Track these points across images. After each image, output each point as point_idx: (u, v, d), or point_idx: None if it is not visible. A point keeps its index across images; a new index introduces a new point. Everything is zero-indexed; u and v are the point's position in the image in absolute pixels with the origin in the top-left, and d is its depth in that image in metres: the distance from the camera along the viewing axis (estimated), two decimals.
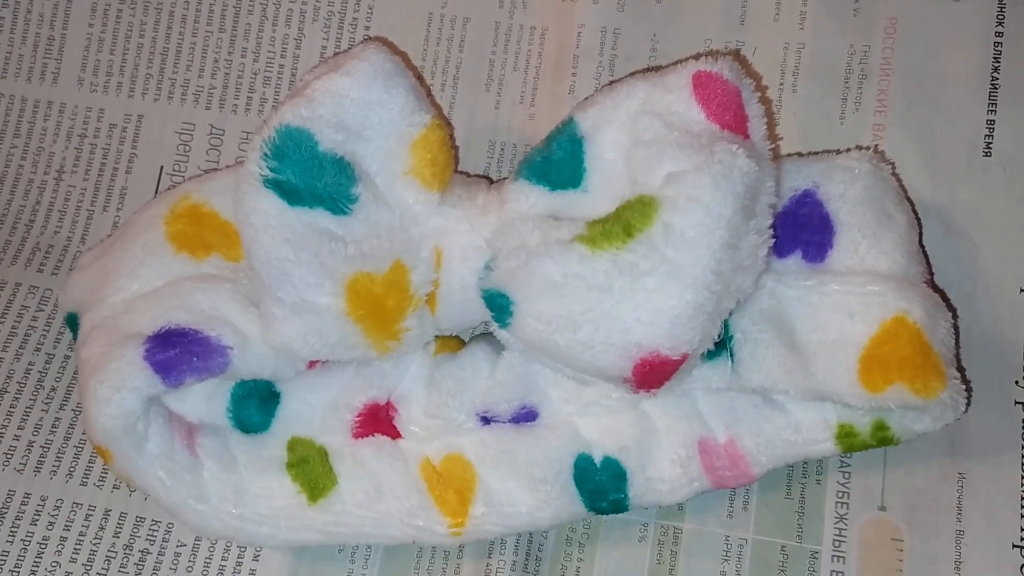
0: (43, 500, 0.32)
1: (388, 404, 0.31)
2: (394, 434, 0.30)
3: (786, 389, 0.28)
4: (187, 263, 0.29)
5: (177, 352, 0.28)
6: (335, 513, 0.29)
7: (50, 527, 0.32)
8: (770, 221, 0.27)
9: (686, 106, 0.27)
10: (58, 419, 0.33)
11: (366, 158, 0.28)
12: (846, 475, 0.31)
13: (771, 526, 0.31)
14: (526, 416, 0.30)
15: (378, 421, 0.30)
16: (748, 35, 0.35)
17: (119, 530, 0.32)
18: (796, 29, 0.35)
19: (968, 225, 0.33)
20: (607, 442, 0.30)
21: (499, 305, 0.28)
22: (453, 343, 0.31)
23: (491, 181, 0.31)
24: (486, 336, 0.31)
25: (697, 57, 0.28)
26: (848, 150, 0.32)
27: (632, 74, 0.29)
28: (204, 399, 0.29)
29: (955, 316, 0.30)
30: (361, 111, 0.28)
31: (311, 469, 0.30)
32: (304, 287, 0.27)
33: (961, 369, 0.30)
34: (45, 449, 0.33)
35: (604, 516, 0.31)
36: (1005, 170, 0.33)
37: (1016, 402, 0.31)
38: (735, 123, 0.27)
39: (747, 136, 0.27)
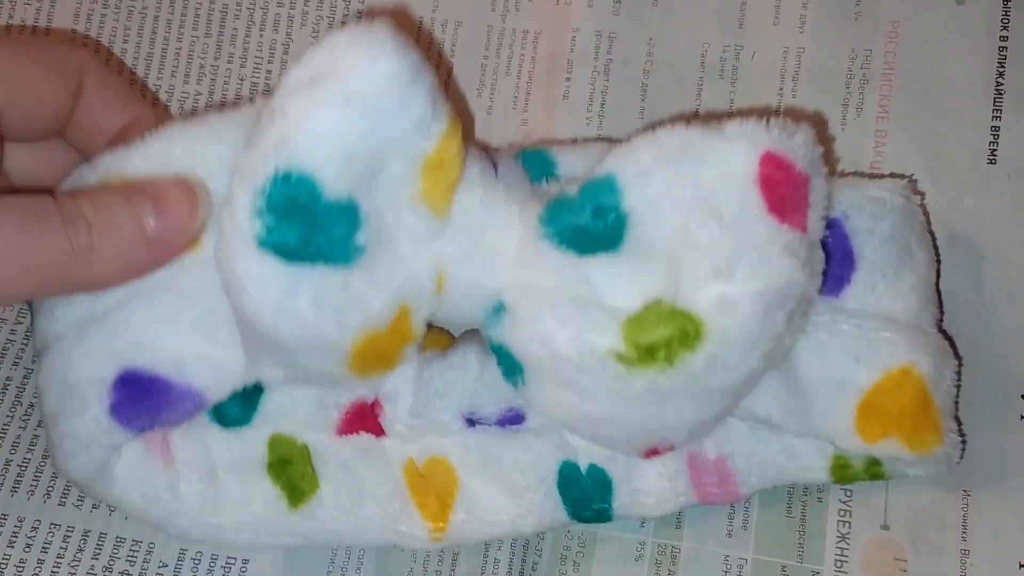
0: (20, 521, 0.31)
1: (375, 402, 0.30)
2: (378, 431, 0.30)
3: (781, 425, 0.28)
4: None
5: (145, 405, 0.26)
6: (316, 519, 0.29)
7: (27, 549, 0.31)
8: (809, 316, 0.27)
9: (746, 192, 0.24)
10: (36, 437, 0.32)
11: (373, 188, 0.24)
12: (848, 493, 0.31)
13: (771, 545, 0.30)
14: (512, 419, 0.29)
15: (364, 418, 0.30)
16: (747, 39, 0.34)
17: (98, 552, 0.31)
18: (796, 33, 0.34)
19: (973, 233, 0.32)
20: (594, 450, 0.29)
21: (510, 366, 0.27)
22: (442, 339, 0.31)
23: (491, 157, 0.28)
24: (476, 335, 0.30)
25: (769, 116, 0.25)
26: (882, 177, 0.31)
27: (683, 119, 0.26)
28: None
29: (960, 364, 0.30)
30: (372, 132, 0.23)
31: (293, 471, 0.29)
32: (305, 359, 0.26)
33: (958, 420, 0.30)
34: (22, 468, 0.32)
35: (600, 534, 0.31)
36: (1010, 177, 0.32)
37: (1022, 416, 0.31)
38: (796, 217, 0.24)
39: (805, 230, 0.24)
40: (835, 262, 0.28)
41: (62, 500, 0.32)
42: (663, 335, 0.24)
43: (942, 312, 0.30)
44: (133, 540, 0.31)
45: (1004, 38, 0.33)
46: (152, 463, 0.28)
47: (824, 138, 0.31)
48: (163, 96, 0.36)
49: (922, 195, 0.31)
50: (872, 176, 0.32)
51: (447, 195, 0.25)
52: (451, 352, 0.30)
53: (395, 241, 0.25)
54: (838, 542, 0.30)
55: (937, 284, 0.30)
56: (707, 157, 0.24)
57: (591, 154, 0.29)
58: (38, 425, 0.32)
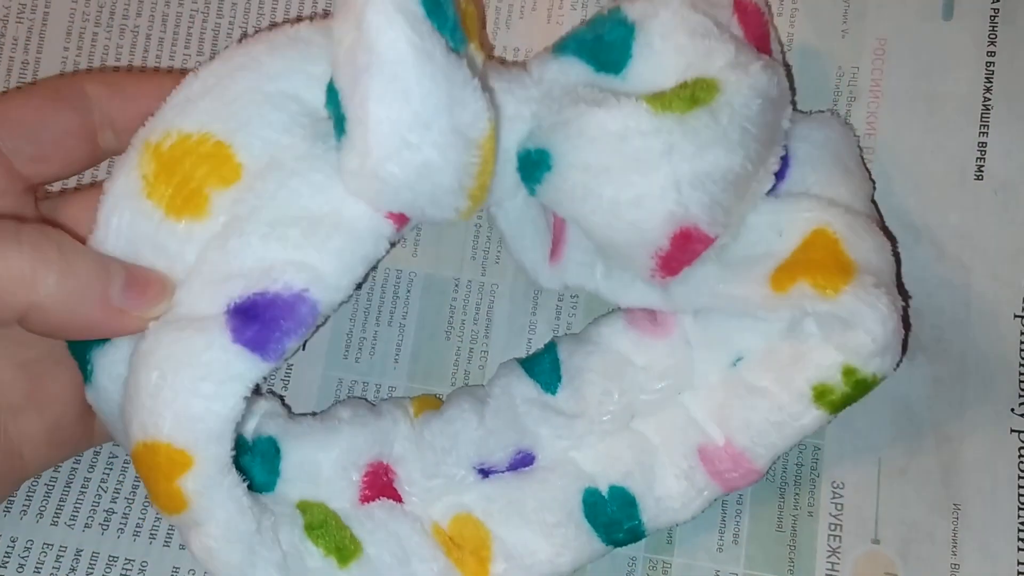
0: (13, 542, 0.31)
1: (387, 467, 0.30)
2: (397, 498, 0.30)
3: (701, 302, 0.28)
4: (197, 231, 0.26)
5: (261, 322, 0.25)
6: (370, 574, 0.28)
7: (20, 570, 0.31)
8: (783, 140, 0.28)
9: (728, 22, 0.28)
10: None
11: None
12: (838, 507, 0.31)
13: (762, 560, 0.31)
14: (523, 461, 0.30)
15: (381, 484, 0.30)
16: None
17: (91, 570, 0.31)
18: (785, 51, 0.34)
19: (960, 250, 0.32)
20: (609, 471, 0.29)
21: (535, 162, 0.27)
22: (432, 401, 0.31)
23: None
24: (464, 389, 0.31)
25: None
26: (822, 112, 0.32)
27: None
28: None
29: (895, 245, 0.30)
30: None
31: (332, 532, 0.28)
32: (458, 107, 0.24)
33: (903, 292, 0.30)
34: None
35: None
36: (997, 193, 0.33)
37: (1012, 430, 0.31)
38: (764, 44, 0.28)
39: (770, 53, 0.28)
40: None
41: (55, 520, 0.32)
42: (678, 88, 0.26)
43: (882, 220, 0.31)
44: (126, 559, 0.31)
45: (991, 54, 0.33)
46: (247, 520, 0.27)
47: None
48: None
49: (858, 137, 0.32)
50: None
51: (480, 30, 0.27)
52: (445, 409, 0.30)
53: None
54: (829, 556, 0.30)
55: (873, 200, 0.31)
56: None
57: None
58: None
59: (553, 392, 0.30)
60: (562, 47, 0.28)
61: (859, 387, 0.28)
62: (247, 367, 0.25)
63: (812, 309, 0.27)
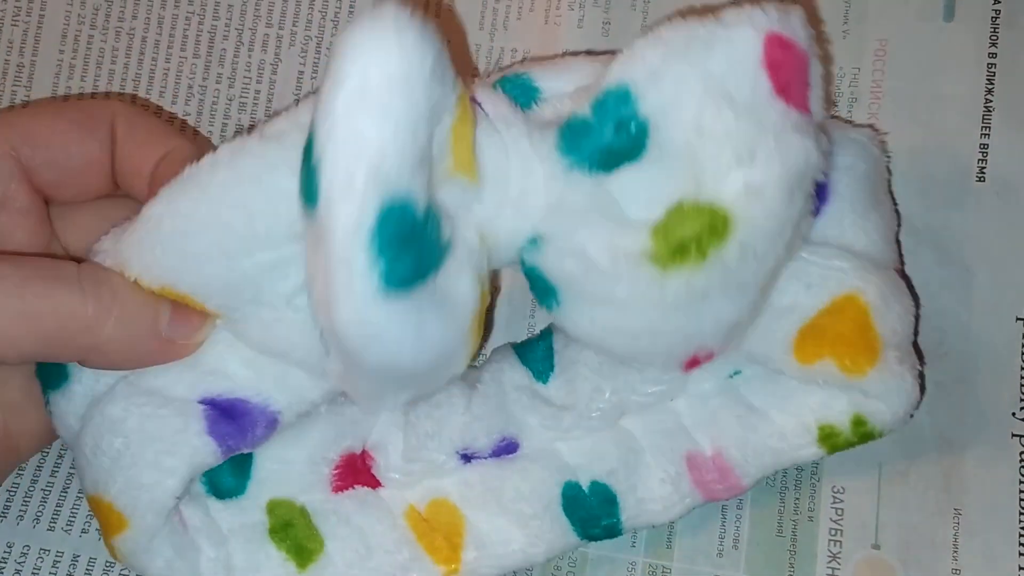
0: (9, 547, 0.31)
1: (364, 453, 0.30)
2: (374, 483, 0.29)
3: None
4: None
5: (237, 424, 0.26)
6: None
7: (17, 574, 0.31)
8: (812, 198, 0.26)
9: (754, 76, 0.24)
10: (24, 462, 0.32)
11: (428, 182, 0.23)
12: (839, 512, 0.31)
13: (762, 565, 0.30)
14: (506, 448, 0.29)
15: (356, 472, 0.29)
16: None
17: None
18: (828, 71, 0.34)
19: (962, 252, 0.32)
20: (593, 466, 0.29)
21: (544, 289, 0.26)
22: None
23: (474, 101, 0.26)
24: None
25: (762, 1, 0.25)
26: (859, 126, 0.31)
27: (682, 13, 0.25)
28: None
29: (917, 305, 0.29)
30: (428, 127, 0.22)
31: (296, 532, 0.28)
32: (446, 369, 0.25)
33: (919, 355, 0.30)
34: (11, 493, 0.32)
35: (591, 554, 0.31)
36: (999, 195, 0.32)
37: (1013, 435, 0.31)
38: (800, 97, 0.24)
39: (808, 111, 0.24)
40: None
41: (51, 525, 0.31)
42: (692, 229, 0.24)
43: (903, 263, 0.30)
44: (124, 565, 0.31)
45: (993, 55, 0.33)
46: (178, 526, 0.27)
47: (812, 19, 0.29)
48: None
49: (889, 157, 0.31)
50: (848, 122, 0.32)
51: (472, 158, 0.24)
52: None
53: (448, 221, 0.24)
54: (829, 562, 0.30)
55: (898, 236, 0.30)
56: (713, 46, 0.24)
57: (573, 72, 0.27)
58: None
59: (544, 382, 0.29)
60: (568, 151, 0.25)
61: (864, 438, 0.29)
62: (207, 458, 0.26)
63: (835, 383, 0.27)
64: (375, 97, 0.21)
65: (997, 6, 0.33)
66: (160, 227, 0.25)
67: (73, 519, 0.31)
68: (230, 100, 0.36)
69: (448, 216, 0.23)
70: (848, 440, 0.28)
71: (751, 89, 0.24)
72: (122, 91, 0.36)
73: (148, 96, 0.36)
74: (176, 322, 0.26)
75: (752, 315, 0.26)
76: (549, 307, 0.26)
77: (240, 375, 0.26)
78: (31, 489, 0.32)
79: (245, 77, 0.36)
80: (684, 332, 0.25)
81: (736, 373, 0.29)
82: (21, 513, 0.32)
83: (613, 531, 0.29)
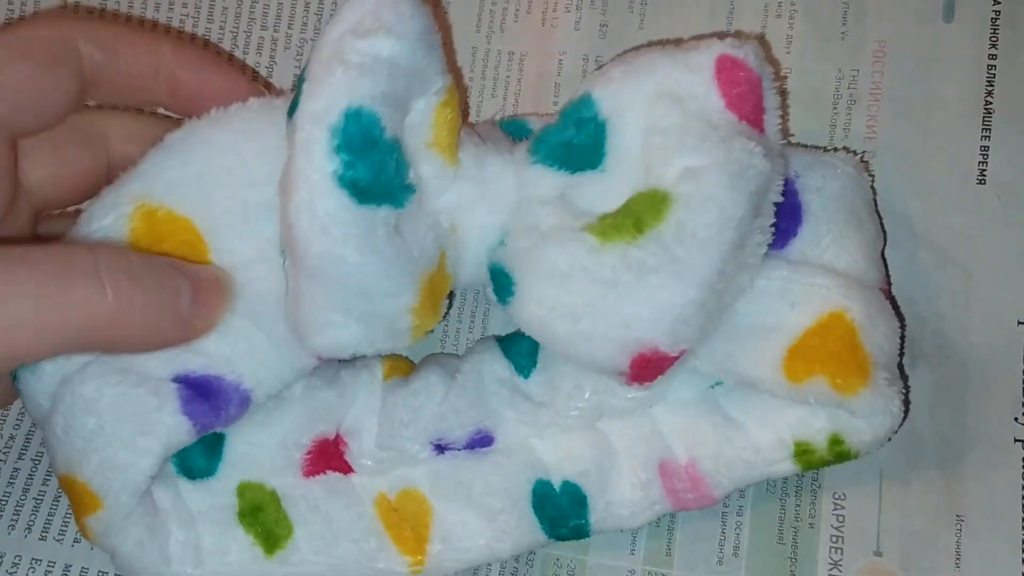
0: (1, 557, 0.31)
1: (337, 438, 0.30)
2: (346, 469, 0.29)
3: (710, 371, 0.28)
4: None
5: (212, 402, 0.26)
6: (293, 563, 0.28)
7: None
8: (772, 219, 0.27)
9: (706, 90, 0.26)
10: (16, 470, 0.32)
11: (403, 134, 0.26)
12: (840, 519, 0.30)
13: (763, 572, 0.30)
14: (481, 441, 0.29)
15: (329, 457, 0.29)
16: None
17: None
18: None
19: (962, 255, 0.32)
20: (566, 466, 0.29)
21: (502, 282, 0.27)
22: (403, 365, 0.31)
23: (472, 126, 0.30)
24: (437, 358, 0.31)
25: (722, 36, 0.27)
26: (836, 150, 0.31)
27: (651, 44, 0.28)
28: None
29: (903, 326, 0.30)
30: (407, 80, 0.25)
31: (265, 517, 0.28)
32: (381, 297, 0.25)
33: (905, 377, 0.30)
34: (3, 502, 0.31)
35: (589, 561, 0.30)
36: (1000, 197, 0.32)
37: (1016, 439, 0.30)
38: (753, 115, 0.26)
39: (762, 129, 0.26)
40: (783, 215, 0.28)
41: (43, 535, 0.31)
42: (631, 207, 0.25)
43: (889, 283, 0.30)
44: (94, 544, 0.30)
45: (993, 56, 0.33)
46: (150, 507, 0.27)
47: (771, 61, 0.31)
48: None
49: (872, 176, 0.31)
50: (827, 150, 0.32)
51: (453, 145, 0.27)
52: (413, 378, 0.30)
53: (421, 190, 0.26)
54: (830, 569, 0.30)
55: (884, 254, 0.30)
56: (668, 62, 0.26)
57: None
58: (19, 458, 0.32)
59: (525, 376, 0.29)
60: (535, 151, 0.27)
61: (840, 457, 0.28)
62: (182, 436, 0.26)
63: (825, 401, 0.27)
64: (363, 33, 0.24)
65: (997, 7, 0.33)
66: (185, 147, 0.27)
67: (65, 528, 0.31)
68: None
69: (420, 182, 0.26)
70: (823, 458, 0.28)
71: (703, 99, 0.26)
72: None
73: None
74: (198, 303, 0.26)
75: (701, 315, 0.26)
76: (505, 300, 0.27)
77: (213, 351, 0.26)
78: (23, 498, 0.32)
79: None
80: (622, 314, 0.25)
81: (718, 383, 0.29)
82: (12, 522, 0.31)
83: (581, 532, 0.29)
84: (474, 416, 0.29)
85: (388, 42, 0.24)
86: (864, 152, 0.33)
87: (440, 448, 0.29)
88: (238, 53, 0.36)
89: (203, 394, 0.26)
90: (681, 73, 0.26)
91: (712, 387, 0.29)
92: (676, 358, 0.26)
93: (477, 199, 0.27)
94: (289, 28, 0.36)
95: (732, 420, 0.29)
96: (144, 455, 0.26)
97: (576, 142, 0.27)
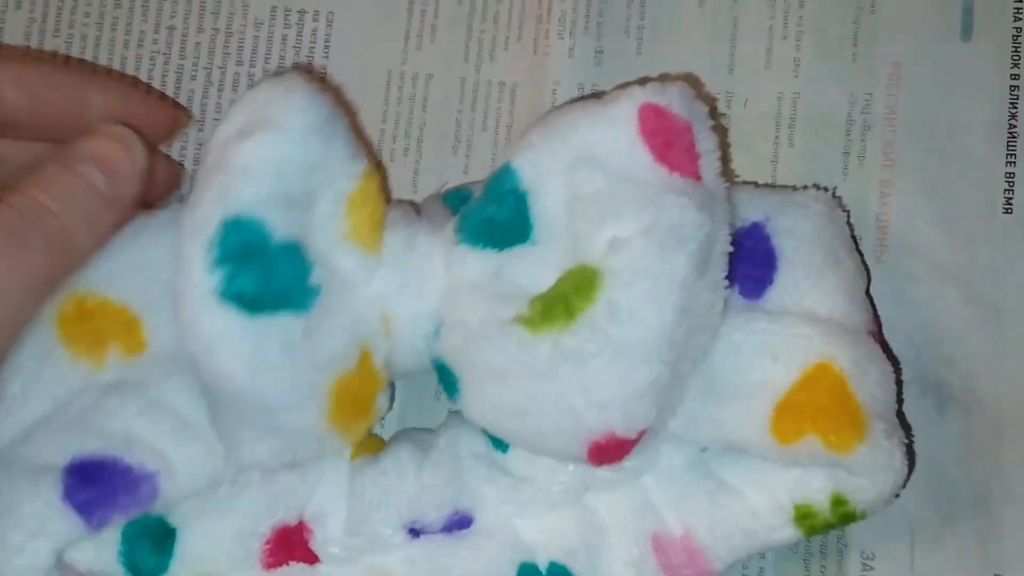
0: None
1: (301, 525, 0.28)
2: (311, 559, 0.28)
3: (693, 437, 0.27)
4: (86, 373, 0.26)
5: (99, 489, 0.25)
6: None
7: None
8: (725, 272, 0.25)
9: (630, 145, 0.25)
10: None
11: (309, 231, 0.25)
12: None
13: None
14: (459, 523, 0.28)
15: (291, 546, 0.28)
16: (738, 85, 0.33)
17: None
18: (790, 77, 0.32)
19: (990, 290, 0.30)
20: (552, 545, 0.27)
21: (446, 378, 0.26)
22: (371, 442, 0.29)
23: (415, 205, 0.29)
24: (409, 433, 0.29)
25: (644, 82, 0.26)
26: (805, 187, 0.30)
27: (573, 101, 0.27)
28: (92, 544, 0.26)
29: (898, 370, 0.28)
30: (304, 176, 0.25)
31: None
32: (284, 412, 0.25)
33: (907, 427, 0.28)
34: None
35: None
36: None
37: None
38: (685, 163, 0.25)
39: (698, 177, 0.25)
40: (756, 263, 0.27)
41: None
42: (558, 290, 0.24)
43: (879, 323, 0.29)
44: None
45: (1016, 76, 0.31)
46: None
47: (703, 96, 0.29)
48: None
49: (847, 211, 0.30)
50: (796, 189, 0.30)
51: (374, 233, 0.26)
52: (383, 455, 0.28)
53: (337, 285, 0.25)
54: None
55: (868, 293, 0.29)
56: (589, 121, 0.25)
57: None
58: None
59: (504, 450, 0.28)
60: (460, 230, 0.26)
61: (844, 519, 0.27)
62: (67, 528, 0.25)
63: (820, 462, 0.26)
64: (247, 134, 0.24)
65: (1018, 23, 0.32)
66: (119, 241, 0.27)
67: None
68: (200, 144, 0.34)
69: (335, 275, 0.25)
70: (827, 521, 0.27)
71: (627, 156, 0.25)
72: None
73: None
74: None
75: (654, 392, 0.24)
76: (452, 395, 0.26)
77: (116, 432, 0.25)
78: None
79: (216, 119, 0.34)
80: (568, 406, 0.24)
81: (706, 448, 0.28)
82: None
83: None
84: (451, 495, 0.28)
85: (274, 141, 0.24)
86: (834, 188, 0.31)
87: (415, 532, 0.28)
88: (213, 91, 0.34)
89: (91, 480, 0.25)
90: (602, 130, 0.25)
91: (703, 451, 0.28)
92: (637, 440, 0.25)
93: (404, 285, 0.26)
94: (267, 63, 0.34)
95: (726, 485, 0.27)
96: (18, 553, 0.24)
97: (498, 218, 0.26)
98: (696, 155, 0.25)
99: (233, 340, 0.23)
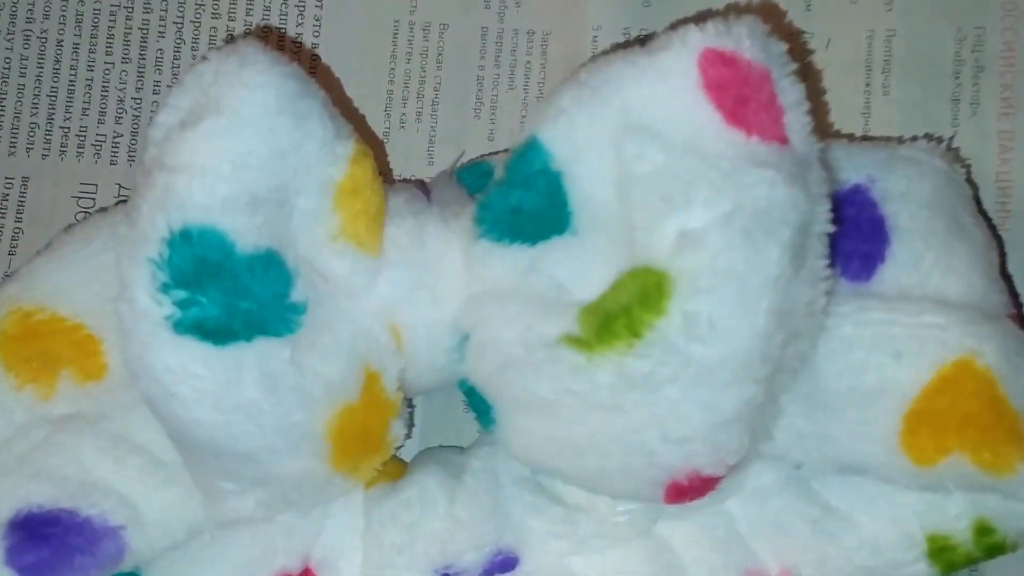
0: None
1: (306, 572, 0.25)
2: None
3: (797, 458, 0.24)
4: (33, 403, 0.24)
5: (51, 549, 0.23)
6: None
7: None
8: (826, 258, 0.22)
9: (692, 105, 0.21)
10: None
11: (288, 235, 0.22)
12: None
13: None
14: (503, 565, 0.25)
15: None
16: (818, 23, 0.29)
17: None
18: (882, 11, 0.29)
19: None
20: None
21: (477, 405, 0.24)
22: (390, 467, 0.26)
23: (424, 185, 0.26)
24: (435, 454, 0.27)
25: (702, 18, 0.22)
26: (915, 138, 0.27)
27: (616, 50, 0.23)
28: None
29: None
30: (272, 169, 0.21)
31: None
32: (272, 460, 0.22)
33: None
34: None
35: None
36: None
37: None
38: (766, 124, 0.21)
39: (784, 140, 0.21)
40: (861, 236, 0.24)
41: None
42: (619, 300, 0.21)
43: (1019, 306, 0.26)
44: None
45: None
46: None
47: (783, 29, 0.27)
48: (73, 142, 0.30)
49: (967, 166, 0.27)
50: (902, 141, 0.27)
51: (372, 228, 0.23)
52: (404, 484, 0.25)
53: (331, 294, 0.23)
54: None
55: (1005, 269, 0.26)
56: (634, 76, 0.21)
57: None
58: None
59: None
60: (480, 222, 0.23)
61: (991, 551, 0.24)
62: None
63: (970, 486, 0.23)
64: (196, 122, 0.21)
65: None
66: (70, 252, 0.25)
67: None
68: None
69: (314, 280, 0.22)
70: (968, 555, 0.24)
71: (689, 121, 0.21)
72: (35, 109, 0.31)
73: (68, 115, 0.31)
74: None
75: (746, 418, 0.21)
76: (487, 426, 0.24)
77: (72, 477, 0.23)
78: None
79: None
80: (639, 443, 0.22)
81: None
82: None
83: None
84: (491, 532, 0.25)
85: (228, 128, 0.21)
86: (951, 138, 0.28)
87: None
88: (184, 50, 0.31)
89: (41, 538, 0.22)
90: (654, 88, 0.21)
91: (797, 467, 0.25)
92: (721, 478, 0.22)
93: (415, 289, 0.23)
94: (248, 16, 0.31)
95: (834, 511, 0.24)
96: None
97: (527, 206, 0.22)
98: (779, 111, 0.21)
99: (197, 378, 0.21)
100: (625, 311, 0.21)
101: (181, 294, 0.20)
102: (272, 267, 0.21)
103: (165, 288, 0.20)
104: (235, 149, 0.21)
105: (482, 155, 0.28)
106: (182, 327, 0.21)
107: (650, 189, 0.21)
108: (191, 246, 0.20)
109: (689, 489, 0.22)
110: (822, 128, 0.24)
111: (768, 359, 0.21)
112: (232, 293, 0.21)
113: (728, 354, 0.20)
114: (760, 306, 0.20)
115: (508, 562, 0.25)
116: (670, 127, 0.21)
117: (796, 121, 0.21)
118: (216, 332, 0.21)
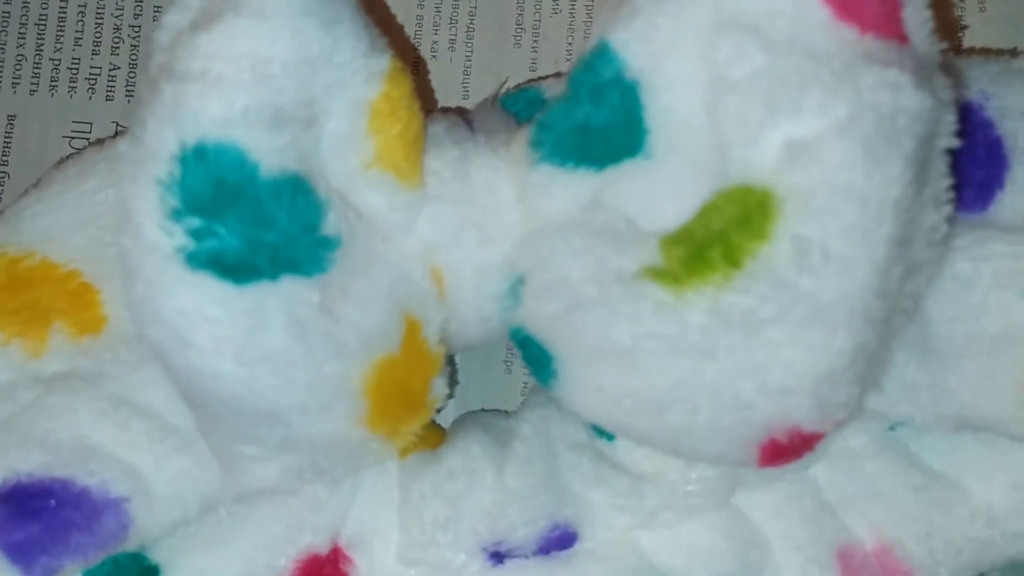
0: None
1: (335, 553, 0.24)
2: None
3: (907, 414, 0.22)
4: (21, 360, 0.23)
5: (43, 524, 0.21)
6: None
7: None
8: (948, 178, 0.20)
9: (811, 19, 0.19)
10: None
11: (317, 159, 0.20)
12: None
13: None
14: (560, 541, 0.24)
15: None
16: None
17: None
18: None
19: None
20: (693, 568, 0.24)
21: (536, 357, 0.22)
22: (428, 435, 0.25)
23: (464, 114, 0.25)
24: (478, 418, 0.25)
25: None
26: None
27: None
28: None
29: None
30: (299, 80, 0.20)
31: None
32: (301, 419, 0.21)
33: None
34: None
35: None
36: None
37: None
38: (883, 18, 0.19)
39: (905, 39, 0.19)
40: (977, 160, 0.23)
41: None
42: (709, 224, 0.19)
43: None
44: None
45: None
46: None
47: None
48: (64, 75, 0.29)
49: None
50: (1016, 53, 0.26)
51: (410, 156, 0.22)
52: (445, 453, 0.24)
53: (365, 233, 0.21)
54: None
55: None
56: None
57: None
58: None
59: (611, 437, 0.24)
60: (539, 144, 0.21)
61: None
62: None
63: None
64: (208, 23, 0.19)
65: None
66: (59, 192, 0.24)
67: None
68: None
69: (360, 219, 0.21)
70: None
71: (791, 14, 0.19)
72: (21, 40, 0.29)
73: (59, 46, 0.29)
74: None
75: (858, 367, 0.20)
76: (546, 381, 0.23)
77: (66, 442, 0.22)
78: None
79: None
80: (733, 394, 0.20)
81: (899, 424, 0.23)
82: None
83: None
84: (547, 504, 0.23)
85: (249, 28, 0.19)
86: None
87: (498, 556, 0.23)
88: None
89: (32, 512, 0.21)
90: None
91: (891, 428, 0.23)
92: (822, 436, 0.21)
93: (461, 228, 0.22)
94: None
95: (941, 476, 0.23)
96: None
97: (596, 122, 0.21)
98: (896, 4, 0.19)
99: (216, 322, 0.19)
100: (721, 237, 0.19)
101: (195, 222, 0.19)
102: (301, 194, 0.19)
103: (176, 215, 0.19)
104: (257, 54, 0.19)
105: (528, 80, 0.27)
106: (197, 262, 0.19)
107: (750, 95, 0.19)
108: (207, 165, 0.19)
109: (789, 448, 0.20)
110: (949, 25, 0.23)
111: (886, 296, 0.19)
112: (255, 223, 0.19)
113: (844, 289, 0.19)
114: (881, 232, 0.18)
115: (566, 538, 0.23)
116: (770, 23, 0.19)
117: (916, 16, 0.20)
118: (237, 268, 0.19)
